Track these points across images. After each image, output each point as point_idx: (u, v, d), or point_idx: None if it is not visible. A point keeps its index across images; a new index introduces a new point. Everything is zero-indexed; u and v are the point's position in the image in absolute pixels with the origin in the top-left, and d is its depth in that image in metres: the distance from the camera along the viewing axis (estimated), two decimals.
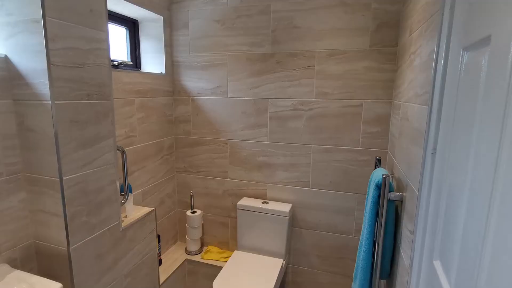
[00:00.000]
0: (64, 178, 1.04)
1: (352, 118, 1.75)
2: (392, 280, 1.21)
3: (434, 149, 0.80)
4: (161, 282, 1.81)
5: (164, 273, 1.93)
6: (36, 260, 1.17)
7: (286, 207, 1.88)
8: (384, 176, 1.08)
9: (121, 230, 1.33)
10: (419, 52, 1.04)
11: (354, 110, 1.74)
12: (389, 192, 1.10)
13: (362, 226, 1.32)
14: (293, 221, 1.98)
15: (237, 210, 1.94)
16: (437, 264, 0.74)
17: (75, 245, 1.11)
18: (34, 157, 1.07)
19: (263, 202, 1.95)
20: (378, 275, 1.17)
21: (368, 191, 1.31)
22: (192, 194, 2.18)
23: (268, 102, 1.90)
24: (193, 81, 2.05)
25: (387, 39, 1.62)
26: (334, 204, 1.87)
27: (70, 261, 1.09)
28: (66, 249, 1.08)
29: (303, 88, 1.81)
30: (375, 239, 1.22)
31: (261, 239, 1.92)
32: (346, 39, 1.69)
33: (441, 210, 0.75)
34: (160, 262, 2.01)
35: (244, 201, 1.97)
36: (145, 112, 1.85)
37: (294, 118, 1.86)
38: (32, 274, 1.03)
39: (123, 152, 1.44)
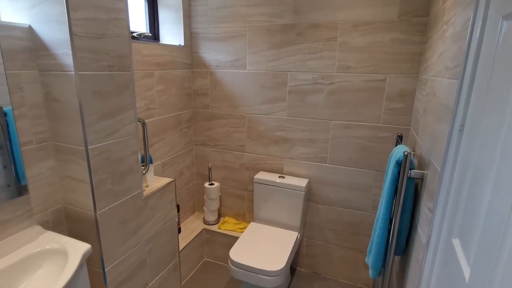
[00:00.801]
0: (89, 147, 1.09)
1: (375, 93, 1.69)
2: (406, 257, 1.22)
3: (462, 125, 0.76)
4: (180, 248, 1.90)
5: (183, 240, 2.03)
6: (66, 223, 1.25)
7: (302, 182, 1.89)
8: (406, 153, 1.06)
9: (142, 198, 1.39)
10: (452, 22, 0.97)
11: (377, 84, 1.67)
12: (410, 169, 1.07)
13: (380, 202, 1.32)
14: (309, 196, 2.00)
15: (254, 183, 1.98)
16: (456, 242, 0.73)
17: (101, 211, 1.17)
18: (60, 127, 1.11)
19: (279, 177, 1.96)
20: (392, 251, 1.18)
21: (388, 167, 1.29)
22: (210, 166, 2.22)
23: (288, 76, 1.86)
24: (212, 53, 2.03)
25: (417, 8, 1.51)
26: (351, 180, 1.86)
27: (97, 225, 1.16)
28: (93, 213, 1.15)
29: (324, 61, 1.75)
30: (392, 216, 1.21)
31: (277, 212, 1.96)
32: (372, 8, 1.59)
33: (464, 189, 0.73)
34: (179, 230, 2.11)
35: (261, 175, 1.99)
36: (165, 85, 1.86)
37: (314, 93, 1.82)
38: (62, 235, 1.11)
39: (143, 124, 1.47)
